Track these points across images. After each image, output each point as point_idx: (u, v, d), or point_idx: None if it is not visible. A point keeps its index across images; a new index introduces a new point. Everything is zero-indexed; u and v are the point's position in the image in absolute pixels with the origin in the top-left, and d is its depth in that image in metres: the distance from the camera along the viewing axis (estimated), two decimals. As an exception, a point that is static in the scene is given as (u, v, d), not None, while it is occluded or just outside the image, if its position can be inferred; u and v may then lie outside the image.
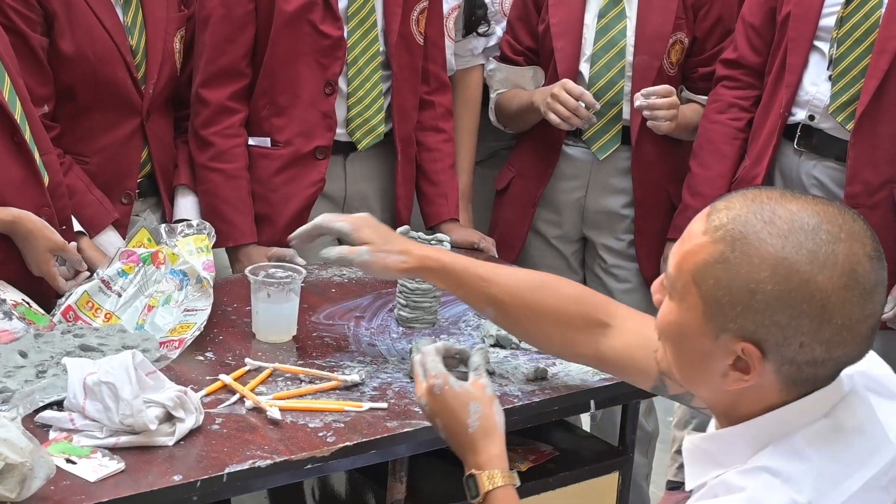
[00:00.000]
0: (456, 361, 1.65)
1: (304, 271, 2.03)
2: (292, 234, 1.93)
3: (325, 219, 1.92)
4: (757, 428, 1.25)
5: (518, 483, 1.60)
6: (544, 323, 1.72)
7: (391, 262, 1.84)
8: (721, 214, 1.25)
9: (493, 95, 2.76)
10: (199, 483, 1.49)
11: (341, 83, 2.40)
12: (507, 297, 1.73)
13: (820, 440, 1.22)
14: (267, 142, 2.40)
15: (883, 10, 2.27)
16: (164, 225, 2.15)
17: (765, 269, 1.19)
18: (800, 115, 2.40)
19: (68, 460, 1.49)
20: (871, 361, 1.34)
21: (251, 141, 2.40)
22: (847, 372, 1.28)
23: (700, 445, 1.32)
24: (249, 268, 1.99)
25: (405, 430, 1.67)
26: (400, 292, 2.01)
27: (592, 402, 1.85)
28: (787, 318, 1.17)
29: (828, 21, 2.34)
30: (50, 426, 1.58)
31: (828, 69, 2.36)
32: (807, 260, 1.17)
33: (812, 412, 1.23)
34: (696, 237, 1.26)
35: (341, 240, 1.90)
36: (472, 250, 2.46)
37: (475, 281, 1.81)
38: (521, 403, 1.75)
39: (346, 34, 2.37)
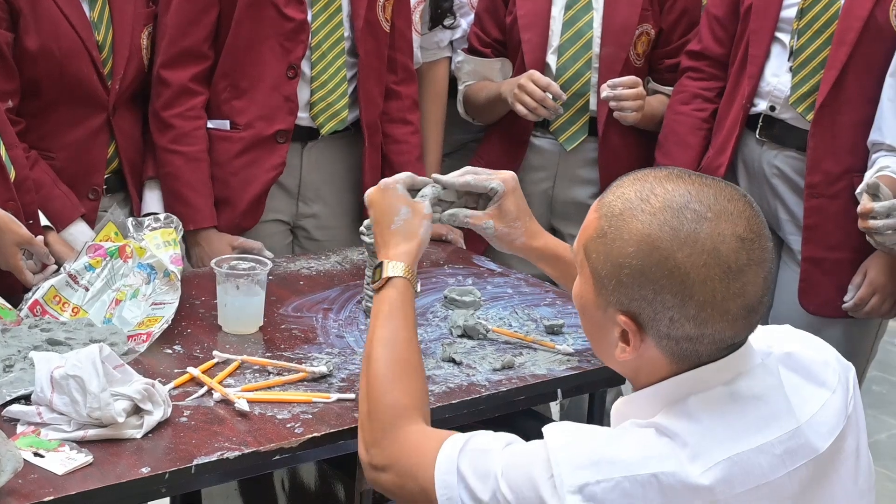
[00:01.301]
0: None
1: (269, 263, 2.04)
2: (439, 181, 1.85)
3: (474, 176, 1.90)
4: (657, 391, 1.31)
5: (418, 289, 1.79)
6: None
7: (517, 243, 1.90)
8: (612, 192, 1.34)
9: (461, 87, 2.78)
10: (167, 475, 1.50)
11: (304, 67, 2.41)
12: None
13: (713, 405, 1.27)
14: (227, 125, 2.40)
15: (842, 1, 2.30)
16: (131, 219, 2.17)
17: (632, 244, 1.26)
18: (761, 105, 2.43)
19: (36, 454, 1.49)
20: (805, 345, 1.42)
21: (210, 124, 2.40)
22: (765, 348, 1.36)
23: (619, 408, 1.38)
24: (215, 260, 2.00)
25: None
26: (368, 285, 1.99)
27: (559, 390, 1.87)
28: (651, 293, 1.24)
29: (788, 13, 2.38)
30: (17, 420, 1.59)
31: (788, 60, 2.39)
32: (668, 237, 1.23)
33: (709, 380, 1.29)
34: (591, 214, 1.35)
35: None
36: (439, 242, 2.49)
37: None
38: (488, 393, 1.77)
39: (309, 17, 2.38)
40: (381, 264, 1.72)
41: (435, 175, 1.87)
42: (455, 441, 1.38)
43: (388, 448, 1.50)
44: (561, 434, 1.30)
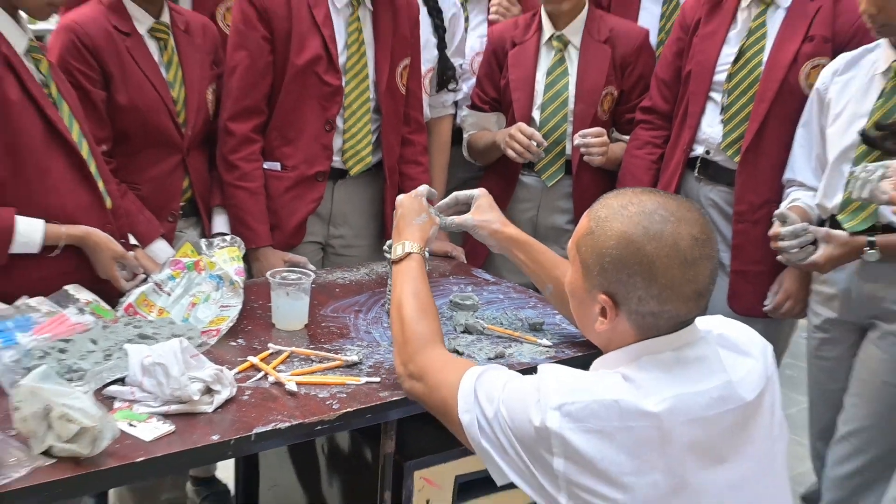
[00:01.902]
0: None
1: (312, 275, 2.05)
2: (437, 205, 2.03)
3: (458, 193, 2.07)
4: (624, 352, 1.39)
5: (427, 265, 1.90)
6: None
7: (494, 227, 1.97)
8: (599, 203, 1.43)
9: (465, 136, 2.81)
10: (232, 441, 1.54)
11: (338, 122, 2.43)
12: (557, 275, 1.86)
13: (662, 363, 1.35)
14: (278, 166, 2.42)
15: (762, 67, 2.35)
16: (203, 240, 2.19)
17: (613, 239, 1.34)
18: (699, 150, 2.48)
19: (130, 424, 1.53)
20: (734, 329, 1.49)
21: (265, 165, 2.42)
22: (706, 328, 1.42)
23: (595, 364, 1.45)
24: (270, 272, 2.02)
25: (394, 398, 1.71)
26: (389, 291, 1.98)
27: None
28: (626, 276, 1.33)
29: (720, 76, 2.43)
30: (115, 398, 1.62)
31: (720, 114, 2.44)
32: (641, 234, 1.32)
33: (663, 347, 1.37)
34: (582, 219, 1.43)
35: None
36: (445, 258, 2.54)
37: (548, 261, 1.94)
38: None
39: (343, 83, 2.40)
40: (403, 244, 1.83)
41: (435, 207, 2.00)
42: (474, 371, 1.47)
43: (420, 362, 1.60)
44: (549, 371, 1.38)
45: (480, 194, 2.02)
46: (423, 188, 1.99)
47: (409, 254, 1.81)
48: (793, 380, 2.39)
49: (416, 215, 1.90)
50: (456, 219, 2.00)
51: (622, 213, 1.36)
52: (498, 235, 1.97)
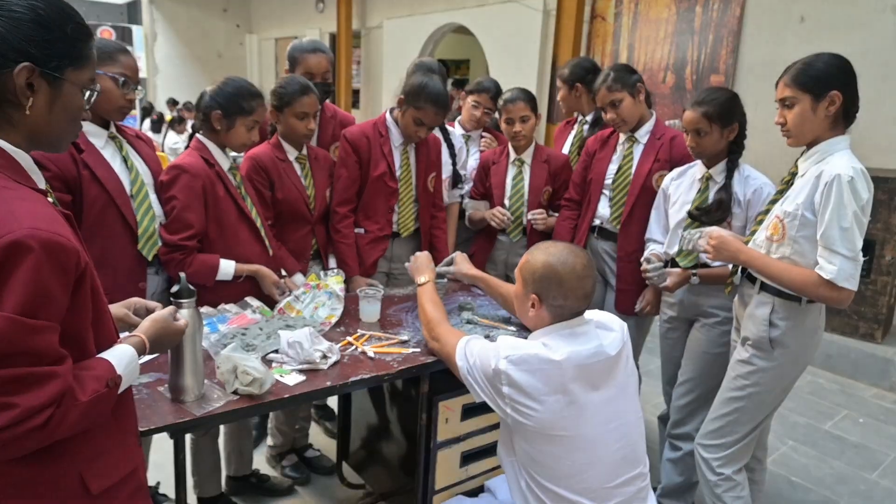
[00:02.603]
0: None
1: (381, 290, 2.06)
2: (437, 269, 2.05)
3: (447, 259, 2.15)
4: (544, 331, 1.43)
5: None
6: (509, 305, 1.88)
7: (464, 272, 2.06)
8: (532, 248, 1.46)
9: (466, 214, 2.81)
10: (337, 385, 1.57)
11: (396, 207, 2.43)
12: (507, 296, 1.89)
13: (564, 335, 1.40)
14: (362, 231, 2.42)
15: (632, 176, 2.35)
16: (322, 271, 2.23)
17: (540, 265, 1.38)
18: (597, 221, 2.47)
19: (281, 376, 1.56)
20: (605, 316, 1.50)
21: (356, 230, 2.41)
22: (590, 317, 1.44)
23: (530, 337, 1.46)
24: (358, 289, 2.04)
25: (428, 361, 1.72)
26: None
27: None
28: (547, 284, 1.37)
29: (608, 181, 2.42)
30: (273, 361, 1.64)
31: (609, 203, 2.43)
32: (556, 262, 1.36)
33: (564, 327, 1.41)
34: (523, 258, 1.46)
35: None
36: (456, 282, 2.45)
37: (497, 286, 1.97)
38: None
39: (398, 187, 2.41)
40: (421, 277, 1.89)
41: (437, 269, 2.05)
42: (464, 339, 1.51)
43: (435, 332, 1.64)
44: (503, 339, 1.44)
45: (458, 255, 2.12)
46: (425, 253, 2.03)
47: (425, 282, 1.85)
48: (653, 350, 2.37)
49: (426, 266, 1.95)
50: (446, 268, 2.12)
51: (545, 251, 1.42)
52: (466, 275, 2.07)
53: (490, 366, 1.36)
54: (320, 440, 2.76)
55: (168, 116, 8.21)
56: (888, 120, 3.77)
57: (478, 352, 1.43)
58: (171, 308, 1.23)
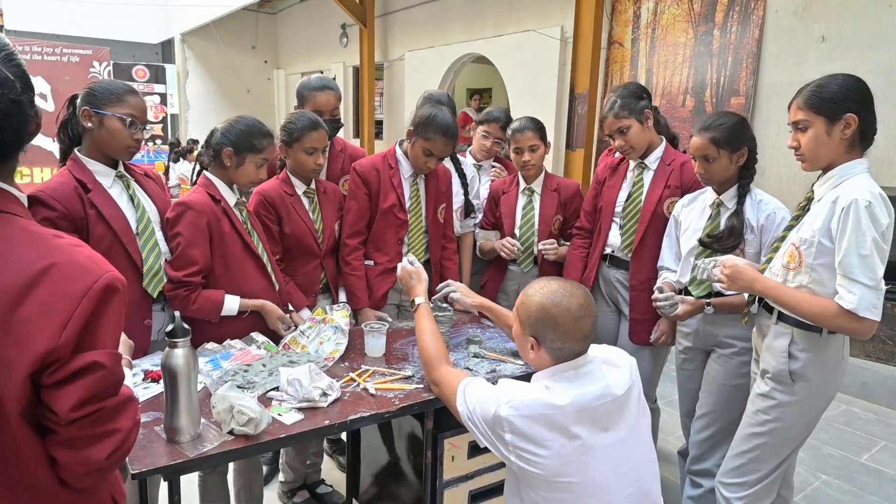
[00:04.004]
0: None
1: (387, 324, 2.03)
2: (434, 297, 2.04)
3: (447, 287, 2.07)
4: (545, 372, 1.37)
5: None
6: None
7: (472, 301, 1.99)
8: (527, 287, 1.40)
9: (478, 243, 2.79)
10: (336, 424, 1.53)
11: (405, 238, 2.41)
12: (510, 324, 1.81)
13: (567, 377, 1.33)
14: (371, 263, 2.40)
15: (642, 203, 2.30)
16: (328, 305, 2.18)
17: (534, 307, 1.32)
18: (608, 250, 2.42)
19: (279, 415, 1.53)
20: (613, 353, 1.43)
21: (366, 262, 2.40)
22: (595, 354, 1.37)
23: (533, 378, 1.40)
24: (363, 323, 2.02)
25: (431, 397, 1.67)
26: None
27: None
28: (542, 327, 1.30)
29: (618, 209, 2.37)
30: (272, 398, 1.61)
31: (619, 230, 2.37)
32: (550, 304, 1.29)
33: (567, 368, 1.33)
34: (520, 297, 1.40)
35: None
36: (466, 313, 2.42)
37: (503, 315, 1.91)
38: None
39: (408, 218, 2.40)
40: (412, 300, 1.82)
41: (433, 299, 2.03)
42: (463, 382, 1.44)
43: (435, 376, 1.57)
44: (504, 382, 1.38)
45: (458, 285, 2.06)
46: (402, 262, 1.95)
47: (420, 304, 1.79)
48: (675, 379, 2.29)
49: (421, 282, 1.87)
50: (447, 291, 2.07)
51: (540, 291, 1.35)
52: (472, 305, 2.02)
53: (490, 412, 1.30)
54: (334, 475, 2.71)
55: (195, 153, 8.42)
56: (916, 138, 3.63)
57: (478, 397, 1.37)
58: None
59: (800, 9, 4.06)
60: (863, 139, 1.65)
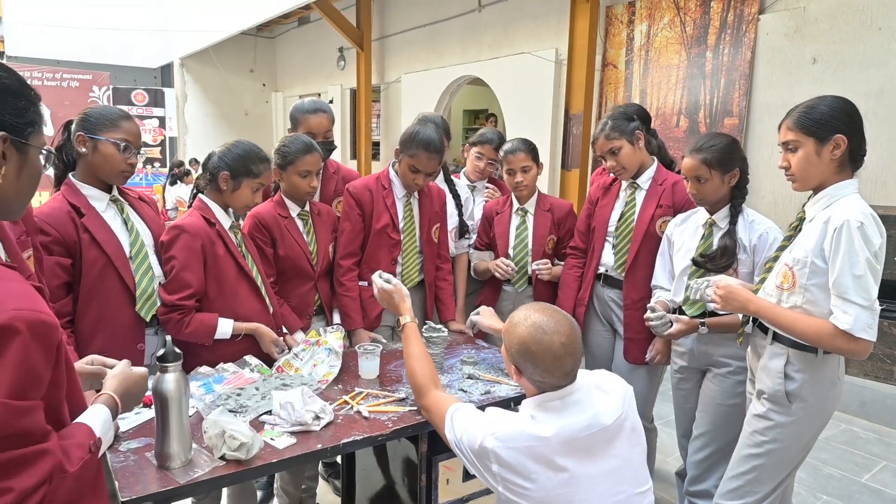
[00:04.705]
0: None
1: (381, 346, 2.02)
2: (466, 326, 2.22)
3: (472, 317, 2.12)
4: (531, 400, 1.34)
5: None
6: None
7: (489, 326, 2.03)
8: (514, 313, 1.37)
9: (472, 264, 2.77)
10: (329, 448, 1.51)
11: (399, 258, 2.41)
12: None
13: (553, 407, 1.30)
14: (365, 283, 2.37)
15: (635, 223, 2.30)
16: (322, 327, 2.19)
17: (516, 339, 1.30)
18: (602, 269, 2.42)
19: (271, 439, 1.51)
20: (605, 378, 1.40)
21: (360, 283, 2.38)
22: (584, 380, 1.35)
23: (521, 406, 1.37)
24: (357, 345, 2.01)
25: (424, 421, 1.65)
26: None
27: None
28: (522, 360, 1.28)
29: (611, 228, 2.38)
30: (264, 423, 1.59)
31: (612, 250, 2.38)
32: (531, 341, 1.27)
33: (553, 397, 1.30)
34: (507, 321, 1.38)
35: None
36: (461, 334, 2.46)
37: None
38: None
39: (401, 238, 2.40)
40: (398, 319, 1.80)
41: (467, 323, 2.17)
42: (451, 409, 1.42)
43: (424, 400, 1.56)
44: (490, 411, 1.37)
45: (483, 309, 2.10)
46: (376, 281, 1.87)
47: (407, 324, 1.76)
48: (670, 399, 2.28)
49: (405, 302, 1.82)
50: (473, 319, 2.11)
51: (523, 323, 1.33)
52: (490, 329, 2.04)
53: (477, 442, 1.29)
54: (329, 499, 2.68)
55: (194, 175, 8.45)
56: (908, 157, 3.66)
57: (464, 426, 1.35)
58: (125, 361, 1.21)
59: (791, 31, 4.11)
60: (852, 160, 1.66)
